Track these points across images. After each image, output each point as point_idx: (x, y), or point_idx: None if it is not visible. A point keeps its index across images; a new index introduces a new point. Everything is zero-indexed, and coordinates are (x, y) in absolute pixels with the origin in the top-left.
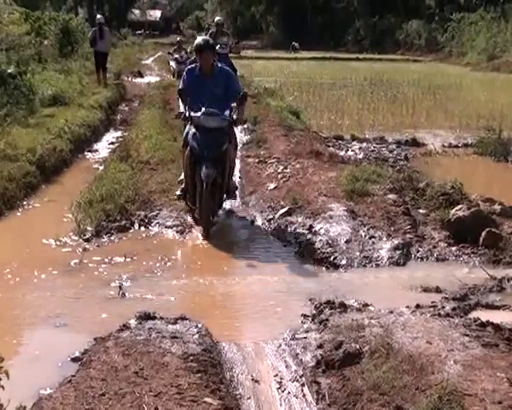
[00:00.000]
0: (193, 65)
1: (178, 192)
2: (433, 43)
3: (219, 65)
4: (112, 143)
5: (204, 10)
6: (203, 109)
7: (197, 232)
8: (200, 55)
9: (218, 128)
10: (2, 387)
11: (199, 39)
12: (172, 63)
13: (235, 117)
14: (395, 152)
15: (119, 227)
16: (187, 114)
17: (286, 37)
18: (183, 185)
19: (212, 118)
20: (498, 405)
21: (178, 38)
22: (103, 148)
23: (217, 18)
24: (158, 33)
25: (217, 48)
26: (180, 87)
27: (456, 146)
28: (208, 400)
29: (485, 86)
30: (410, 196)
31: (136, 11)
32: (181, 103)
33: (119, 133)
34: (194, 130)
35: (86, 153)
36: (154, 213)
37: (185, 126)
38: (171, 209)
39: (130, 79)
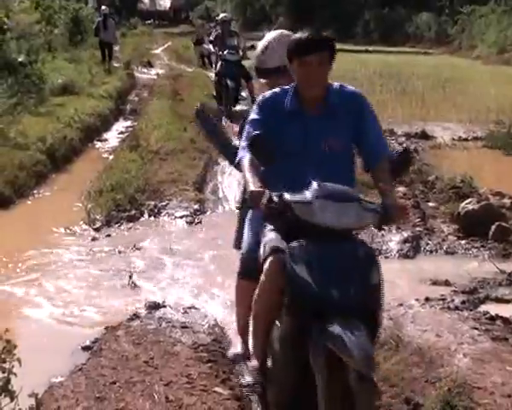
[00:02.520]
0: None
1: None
2: (442, 36)
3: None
4: (121, 132)
5: (214, 0)
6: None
7: (206, 222)
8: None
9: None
10: (15, 374)
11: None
12: (208, 47)
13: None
14: (405, 145)
15: (129, 217)
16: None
17: (294, 28)
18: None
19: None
20: (508, 398)
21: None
22: (113, 137)
23: (222, 14)
24: (167, 23)
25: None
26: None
27: (466, 139)
28: (218, 389)
29: (495, 80)
30: (419, 189)
31: (146, 1)
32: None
33: (128, 123)
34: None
35: (96, 142)
36: (164, 203)
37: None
38: (180, 199)
39: (139, 68)
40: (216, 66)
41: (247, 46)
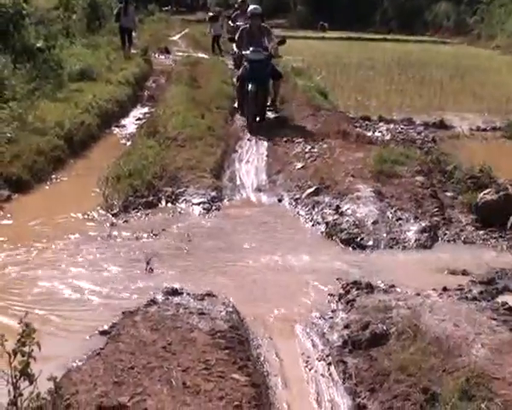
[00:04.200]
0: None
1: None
2: (461, 25)
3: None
4: (139, 118)
5: None
6: (251, 48)
7: (223, 209)
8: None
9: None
10: (34, 358)
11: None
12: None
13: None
14: (423, 134)
15: (147, 203)
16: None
17: (313, 16)
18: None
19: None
20: None
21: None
22: (130, 123)
23: (252, 6)
24: (185, 10)
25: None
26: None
27: (485, 129)
28: (236, 376)
29: None
30: (437, 178)
31: None
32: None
33: (146, 109)
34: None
35: (113, 128)
36: (181, 190)
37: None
38: (198, 186)
39: (157, 55)
40: (236, 66)
41: (276, 42)
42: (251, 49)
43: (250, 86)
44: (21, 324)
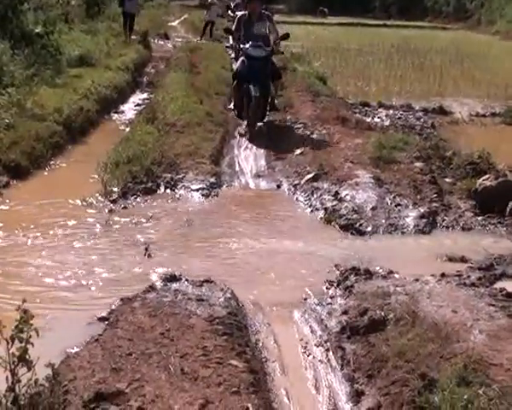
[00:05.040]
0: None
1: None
2: (461, 11)
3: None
4: (138, 104)
5: None
6: (250, 42)
7: (222, 195)
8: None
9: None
10: (32, 344)
11: None
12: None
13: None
14: (422, 120)
15: (145, 189)
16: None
17: (313, 1)
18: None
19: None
20: None
21: None
22: (129, 109)
23: None
24: None
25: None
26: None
27: (484, 115)
28: (234, 362)
29: None
30: (436, 164)
31: None
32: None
33: (145, 95)
34: (242, 58)
35: (112, 114)
36: (180, 176)
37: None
38: (196, 172)
39: (156, 41)
40: (235, 59)
41: (279, 35)
42: (250, 43)
43: (252, 90)
44: (19, 310)
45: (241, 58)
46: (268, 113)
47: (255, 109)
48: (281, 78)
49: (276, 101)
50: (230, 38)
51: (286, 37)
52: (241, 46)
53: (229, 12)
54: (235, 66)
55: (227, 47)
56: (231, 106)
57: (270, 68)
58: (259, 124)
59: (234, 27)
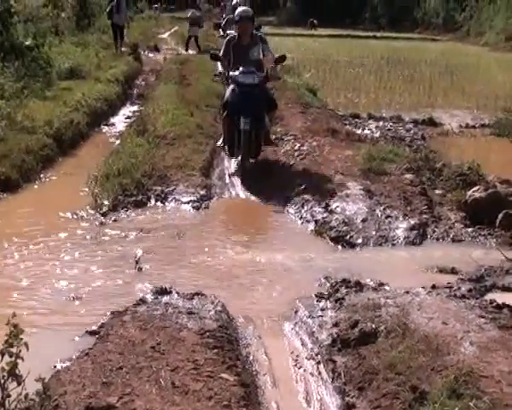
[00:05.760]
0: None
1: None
2: (450, 23)
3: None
4: (128, 117)
5: None
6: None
7: (212, 207)
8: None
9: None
10: (22, 358)
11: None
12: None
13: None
14: (412, 131)
15: (136, 202)
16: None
17: (303, 13)
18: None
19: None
20: None
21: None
22: (120, 122)
23: (241, 8)
24: (174, 8)
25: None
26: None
27: (474, 126)
28: (225, 375)
29: (503, 67)
30: (426, 176)
31: None
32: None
33: (135, 107)
34: (232, 86)
35: (103, 127)
36: (171, 189)
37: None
38: (187, 185)
39: (146, 53)
40: (226, 83)
41: (274, 59)
42: (241, 69)
43: (242, 123)
44: (8, 324)
45: (231, 86)
46: (262, 148)
47: (246, 145)
48: (277, 107)
49: (271, 136)
50: (219, 64)
51: (282, 60)
52: (231, 73)
53: (220, 31)
54: (225, 95)
55: (215, 76)
56: (220, 142)
57: (265, 97)
58: (252, 161)
59: (222, 52)
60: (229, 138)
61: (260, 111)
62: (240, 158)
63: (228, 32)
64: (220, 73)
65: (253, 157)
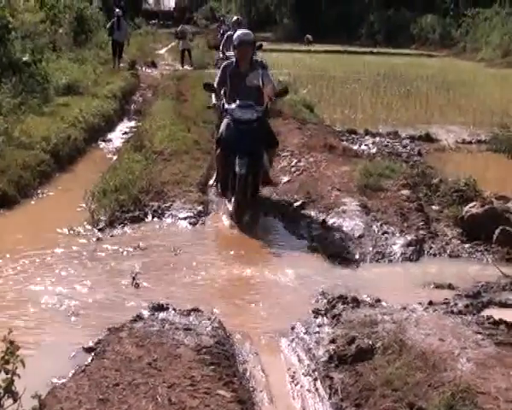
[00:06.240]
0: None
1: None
2: (447, 39)
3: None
4: (125, 132)
5: (218, 1)
6: (238, 102)
7: (209, 224)
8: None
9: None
10: (18, 375)
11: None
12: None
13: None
14: (408, 147)
15: (133, 218)
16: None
17: (300, 29)
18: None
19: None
20: None
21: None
22: (117, 138)
23: (240, 32)
24: (171, 23)
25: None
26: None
27: (470, 142)
28: (221, 392)
29: (500, 83)
30: (423, 192)
31: (151, 1)
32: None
33: (132, 123)
34: (227, 120)
35: (100, 142)
36: (168, 205)
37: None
38: (184, 201)
39: (144, 69)
40: (220, 116)
41: (276, 92)
42: (238, 102)
43: (238, 166)
44: (5, 341)
45: (226, 120)
46: (260, 189)
47: (242, 190)
48: (277, 145)
49: (270, 177)
50: (213, 96)
51: (284, 93)
52: (227, 106)
53: (220, 53)
54: (219, 130)
55: (208, 108)
56: (213, 181)
57: (264, 133)
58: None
59: (217, 81)
60: (222, 177)
61: (258, 150)
62: (233, 200)
63: (228, 53)
64: (214, 104)
65: (249, 201)
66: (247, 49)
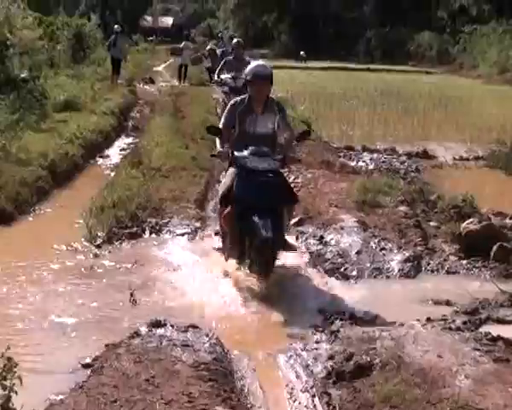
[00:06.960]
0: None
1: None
2: (444, 55)
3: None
4: (123, 149)
5: (216, 18)
6: (250, 148)
7: (206, 241)
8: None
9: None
10: (16, 392)
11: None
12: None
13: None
14: (406, 164)
15: (131, 234)
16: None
17: (297, 46)
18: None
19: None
20: None
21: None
22: (115, 154)
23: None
24: (169, 40)
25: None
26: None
27: (467, 159)
28: (219, 409)
29: (497, 99)
30: (421, 208)
31: (149, 18)
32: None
33: (130, 140)
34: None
35: (98, 159)
36: (165, 221)
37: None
38: (182, 217)
39: (141, 85)
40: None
41: (295, 136)
42: (250, 148)
43: (262, 227)
44: (2, 358)
45: (234, 170)
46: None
47: (266, 260)
48: (297, 201)
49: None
50: (217, 141)
51: (307, 135)
52: (237, 154)
53: (215, 76)
54: (225, 183)
55: (212, 156)
56: (219, 245)
57: (285, 187)
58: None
59: (223, 123)
60: (235, 242)
61: (278, 205)
62: (255, 273)
63: (222, 77)
64: (220, 152)
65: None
66: (262, 86)
